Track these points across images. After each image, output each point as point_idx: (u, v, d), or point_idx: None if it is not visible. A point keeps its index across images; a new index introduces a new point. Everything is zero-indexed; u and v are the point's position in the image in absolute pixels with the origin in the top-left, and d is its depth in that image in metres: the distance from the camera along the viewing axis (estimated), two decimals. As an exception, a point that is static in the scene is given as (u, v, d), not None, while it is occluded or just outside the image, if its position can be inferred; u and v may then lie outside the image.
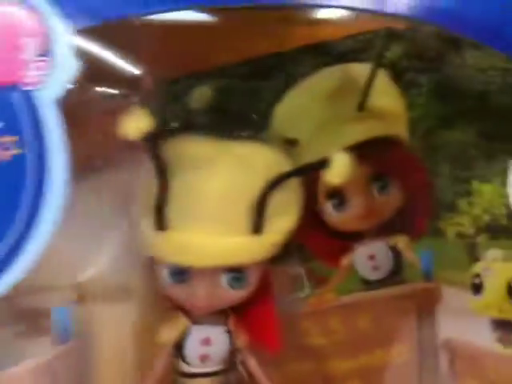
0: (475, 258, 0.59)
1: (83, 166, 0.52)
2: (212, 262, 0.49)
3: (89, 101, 0.53)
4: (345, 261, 0.63)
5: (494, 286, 0.57)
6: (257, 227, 0.49)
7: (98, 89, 0.54)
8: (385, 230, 0.63)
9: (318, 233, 0.62)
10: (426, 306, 0.63)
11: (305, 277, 0.62)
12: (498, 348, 0.57)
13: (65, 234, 0.52)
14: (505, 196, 0.54)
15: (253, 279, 0.51)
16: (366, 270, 0.63)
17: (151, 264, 0.51)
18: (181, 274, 0.50)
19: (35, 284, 0.52)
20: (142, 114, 0.44)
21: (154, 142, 0.46)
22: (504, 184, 0.56)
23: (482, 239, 0.58)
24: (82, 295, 0.56)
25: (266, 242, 0.49)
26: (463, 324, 0.61)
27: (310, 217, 0.61)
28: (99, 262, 0.55)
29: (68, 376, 0.55)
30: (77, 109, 0.50)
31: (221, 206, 0.48)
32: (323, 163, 0.47)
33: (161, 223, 0.49)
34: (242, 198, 0.48)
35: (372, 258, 0.63)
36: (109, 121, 0.50)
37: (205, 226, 0.48)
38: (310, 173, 0.50)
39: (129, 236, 0.53)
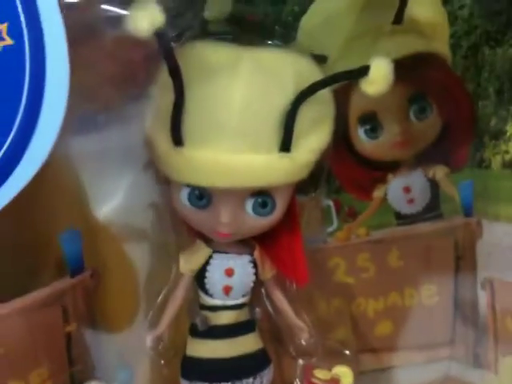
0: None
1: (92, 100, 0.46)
2: (236, 183, 0.43)
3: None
4: (377, 193, 0.58)
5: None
6: (286, 144, 0.43)
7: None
8: (422, 159, 0.57)
9: (349, 162, 0.57)
10: (464, 243, 0.58)
11: (333, 209, 0.57)
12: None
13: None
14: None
15: (280, 205, 0.46)
16: (400, 203, 0.58)
17: (168, 189, 0.46)
18: (201, 197, 0.45)
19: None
20: (153, 7, 0.38)
21: (167, 41, 0.39)
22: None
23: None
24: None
25: (296, 161, 0.44)
26: (507, 261, 0.56)
27: (340, 144, 0.56)
28: (112, 201, 0.50)
29: (77, 309, 0.51)
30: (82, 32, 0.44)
31: (245, 118, 0.42)
32: (362, 70, 0.42)
33: (178, 138, 0.43)
34: (269, 110, 0.43)
35: (407, 190, 0.58)
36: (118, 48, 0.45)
37: (227, 141, 0.42)
38: (346, 80, 0.44)
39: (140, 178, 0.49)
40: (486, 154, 0.56)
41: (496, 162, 0.55)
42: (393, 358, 0.60)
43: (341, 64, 0.52)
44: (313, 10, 0.56)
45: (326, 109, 0.45)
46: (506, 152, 0.54)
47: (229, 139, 0.42)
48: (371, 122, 0.55)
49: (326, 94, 0.45)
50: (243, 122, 0.42)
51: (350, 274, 0.58)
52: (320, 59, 0.53)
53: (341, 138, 0.56)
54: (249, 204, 0.45)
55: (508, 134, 0.54)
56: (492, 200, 0.56)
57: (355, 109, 0.55)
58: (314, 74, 0.44)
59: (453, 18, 0.56)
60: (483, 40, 0.56)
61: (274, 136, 0.43)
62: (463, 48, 0.56)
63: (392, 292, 0.58)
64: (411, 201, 0.58)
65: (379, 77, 0.42)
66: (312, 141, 0.45)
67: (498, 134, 0.55)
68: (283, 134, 0.43)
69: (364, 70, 0.42)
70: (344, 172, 0.57)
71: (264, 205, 0.45)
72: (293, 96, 0.43)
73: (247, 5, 0.53)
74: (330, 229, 0.57)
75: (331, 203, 0.57)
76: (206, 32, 0.48)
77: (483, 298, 0.58)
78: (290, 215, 0.48)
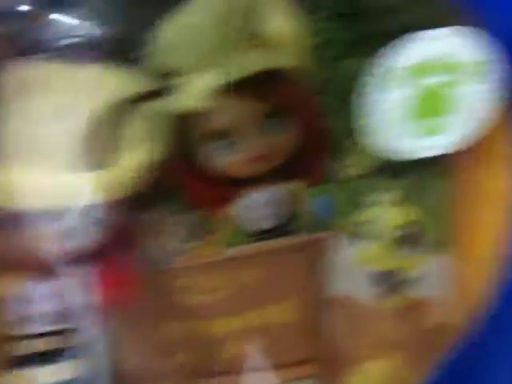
0: (360, 204, 0.52)
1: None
2: (38, 205, 0.42)
3: None
4: (231, 209, 0.56)
5: (379, 234, 0.50)
6: (98, 161, 0.42)
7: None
8: (278, 174, 0.56)
9: (198, 179, 0.55)
10: (316, 259, 0.57)
11: (187, 227, 0.55)
12: (377, 303, 0.51)
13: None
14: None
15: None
16: (256, 219, 0.57)
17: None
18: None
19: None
20: None
21: None
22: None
23: (366, 182, 0.52)
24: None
25: (111, 178, 0.43)
26: (348, 277, 0.55)
27: (187, 161, 0.54)
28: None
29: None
30: None
31: (52, 136, 0.42)
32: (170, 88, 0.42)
33: None
34: (79, 127, 0.42)
35: (264, 205, 0.56)
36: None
37: (36, 161, 0.42)
38: (156, 98, 0.44)
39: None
40: (339, 168, 0.55)
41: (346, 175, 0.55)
42: (247, 380, 0.58)
43: (195, 77, 0.51)
44: (173, 20, 0.52)
45: (146, 126, 0.45)
46: (347, 166, 0.54)
47: (38, 159, 0.42)
48: (224, 138, 0.54)
49: (147, 111, 0.44)
50: (51, 140, 0.42)
51: (201, 295, 0.56)
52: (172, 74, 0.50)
53: (186, 155, 0.53)
54: None
55: (347, 148, 0.53)
56: (343, 214, 0.55)
57: (204, 126, 0.53)
58: (130, 90, 0.43)
59: (314, 29, 0.54)
60: (343, 52, 0.55)
61: (84, 154, 0.42)
62: (324, 60, 0.55)
63: (246, 311, 0.57)
64: (266, 216, 0.56)
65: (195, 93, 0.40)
66: (130, 157, 0.44)
67: (342, 149, 0.54)
68: (95, 152, 0.42)
69: (171, 88, 0.41)
70: (195, 189, 0.55)
71: None
72: (108, 110, 0.42)
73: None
74: (182, 247, 0.55)
75: (182, 220, 0.55)
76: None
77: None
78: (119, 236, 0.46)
